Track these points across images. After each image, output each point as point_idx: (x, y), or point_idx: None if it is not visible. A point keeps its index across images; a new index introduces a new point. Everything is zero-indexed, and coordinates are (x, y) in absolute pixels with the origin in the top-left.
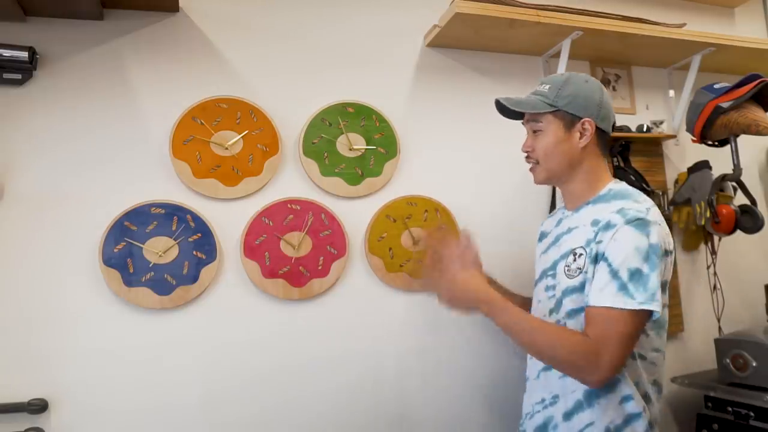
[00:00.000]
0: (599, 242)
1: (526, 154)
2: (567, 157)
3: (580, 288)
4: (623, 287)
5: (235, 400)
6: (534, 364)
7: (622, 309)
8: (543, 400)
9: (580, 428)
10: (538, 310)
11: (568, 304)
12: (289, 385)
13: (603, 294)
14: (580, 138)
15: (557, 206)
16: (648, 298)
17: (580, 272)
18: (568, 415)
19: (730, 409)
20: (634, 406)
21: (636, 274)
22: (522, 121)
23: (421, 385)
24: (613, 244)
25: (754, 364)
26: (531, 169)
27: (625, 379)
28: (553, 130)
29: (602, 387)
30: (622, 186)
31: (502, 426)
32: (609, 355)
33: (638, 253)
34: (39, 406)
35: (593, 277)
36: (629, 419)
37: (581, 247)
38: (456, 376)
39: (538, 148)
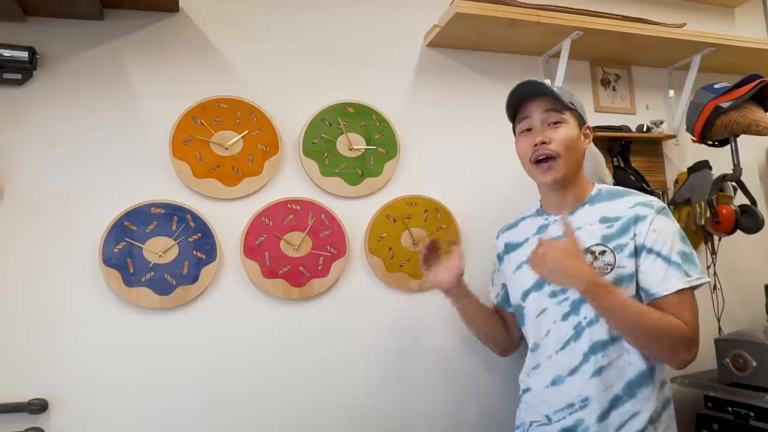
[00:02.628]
0: (635, 236)
1: (535, 149)
2: (579, 156)
3: (614, 283)
4: (680, 268)
5: (235, 400)
6: (548, 371)
7: (687, 288)
8: (571, 405)
9: (620, 423)
10: (545, 318)
11: None
12: (289, 384)
13: (668, 281)
14: (585, 140)
15: (519, 215)
16: (700, 273)
17: (612, 268)
18: (603, 415)
19: (730, 409)
20: (668, 389)
21: (684, 255)
22: (524, 117)
23: (421, 385)
24: (653, 235)
25: (754, 364)
26: (545, 167)
27: (660, 364)
28: (573, 126)
29: (685, 367)
30: (606, 185)
31: (501, 424)
32: (694, 332)
33: (677, 236)
34: (39, 406)
35: (641, 270)
36: (667, 404)
37: (600, 244)
38: (456, 376)
39: (559, 139)
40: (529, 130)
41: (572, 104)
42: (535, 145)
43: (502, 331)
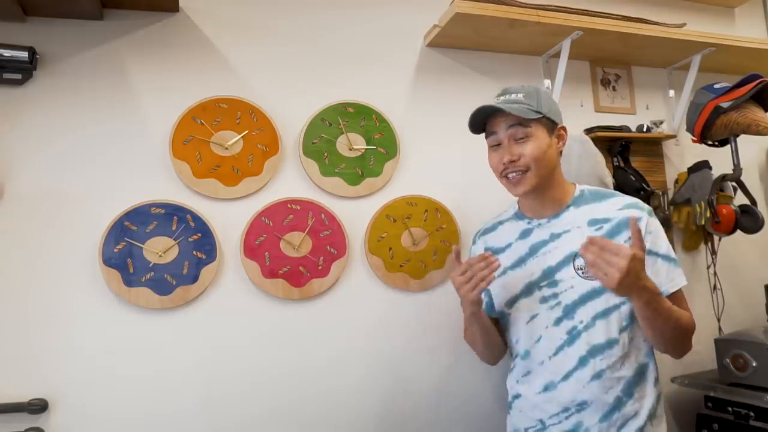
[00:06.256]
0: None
1: (504, 167)
2: (552, 163)
3: None
4: (678, 267)
5: (235, 400)
6: (540, 377)
7: (683, 285)
8: (566, 410)
9: (622, 423)
10: (537, 324)
11: (598, 305)
12: (289, 384)
13: (674, 279)
14: (558, 143)
15: (497, 218)
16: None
17: None
18: (605, 417)
19: (730, 409)
20: (659, 385)
21: (673, 256)
22: (491, 132)
23: (421, 385)
24: (650, 237)
25: (754, 364)
26: (515, 180)
27: (653, 359)
28: (541, 136)
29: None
30: (587, 186)
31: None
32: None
33: (665, 238)
34: (39, 406)
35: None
36: (659, 399)
37: None
38: (456, 377)
39: (528, 153)
40: (498, 145)
41: (539, 112)
42: (504, 163)
43: (501, 339)
